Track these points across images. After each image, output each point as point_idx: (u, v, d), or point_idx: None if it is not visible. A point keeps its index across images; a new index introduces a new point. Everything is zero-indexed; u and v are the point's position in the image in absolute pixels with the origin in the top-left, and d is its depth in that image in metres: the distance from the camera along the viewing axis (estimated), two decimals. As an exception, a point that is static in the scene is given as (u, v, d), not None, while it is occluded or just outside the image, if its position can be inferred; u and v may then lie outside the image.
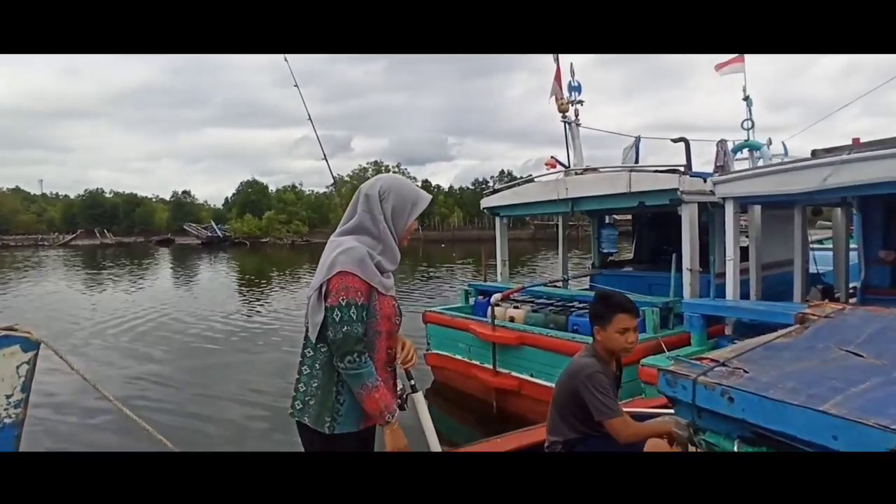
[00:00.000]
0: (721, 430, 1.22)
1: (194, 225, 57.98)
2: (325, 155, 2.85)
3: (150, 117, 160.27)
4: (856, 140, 4.78)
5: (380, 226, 1.75)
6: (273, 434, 5.14)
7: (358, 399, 1.69)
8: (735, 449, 1.16)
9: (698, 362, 1.34)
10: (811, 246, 6.19)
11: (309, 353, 1.77)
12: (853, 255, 6.23)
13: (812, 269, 6.04)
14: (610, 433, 2.05)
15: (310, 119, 2.96)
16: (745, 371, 1.25)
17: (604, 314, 2.17)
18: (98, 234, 57.54)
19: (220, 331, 10.31)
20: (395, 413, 1.76)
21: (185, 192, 75.94)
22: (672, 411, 2.69)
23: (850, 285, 6.11)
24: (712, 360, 1.35)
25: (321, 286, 1.69)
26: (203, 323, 11.10)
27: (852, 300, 5.88)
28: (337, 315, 1.63)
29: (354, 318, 1.64)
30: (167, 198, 76.96)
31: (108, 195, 75.59)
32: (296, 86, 2.98)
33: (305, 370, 1.76)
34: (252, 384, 6.80)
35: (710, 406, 1.21)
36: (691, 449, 1.28)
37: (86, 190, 75.83)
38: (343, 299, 1.64)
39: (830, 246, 7.47)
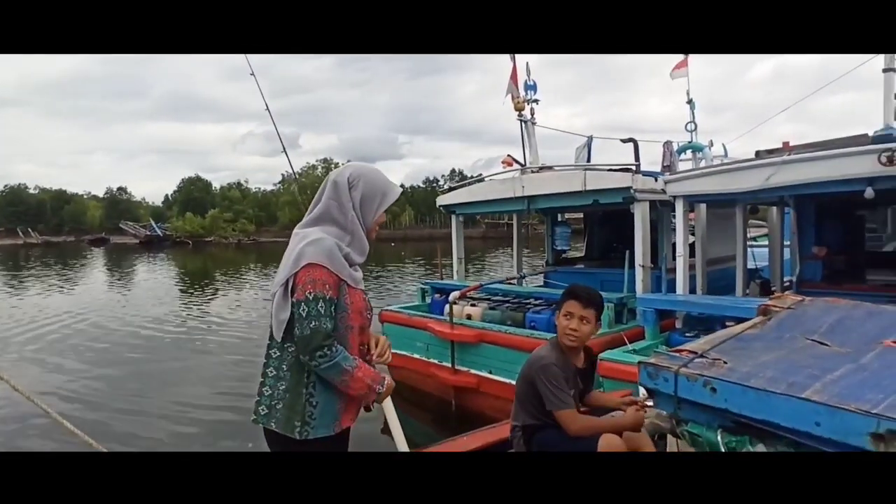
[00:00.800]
0: (703, 421, 1.23)
1: (132, 223, 54.80)
2: (284, 148, 2.72)
3: (81, 108, 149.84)
4: (786, 143, 5.07)
5: (348, 215, 1.66)
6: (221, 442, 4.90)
7: (343, 388, 1.60)
8: (718, 438, 1.17)
9: (678, 354, 1.34)
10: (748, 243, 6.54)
11: (275, 353, 1.65)
12: (786, 252, 6.64)
13: (751, 265, 6.38)
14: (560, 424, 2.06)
15: (268, 110, 2.80)
16: (725, 362, 1.26)
17: (560, 300, 2.19)
18: (21, 234, 53.37)
19: (148, 337, 9.69)
20: (383, 380, 1.70)
21: (121, 189, 71.89)
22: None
23: (785, 279, 6.50)
24: (690, 351, 1.36)
25: (287, 281, 1.59)
26: (130, 328, 10.43)
27: (786, 293, 6.24)
28: (304, 310, 1.53)
29: (322, 312, 1.54)
30: (100, 194, 72.59)
31: (32, 191, 70.43)
32: (252, 74, 2.81)
33: (271, 372, 1.64)
34: (186, 396, 6.39)
35: (692, 397, 1.22)
36: (673, 440, 1.28)
37: (6, 185, 70.29)
38: (310, 293, 1.54)
39: (765, 243, 7.94)
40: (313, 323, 1.53)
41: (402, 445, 2.02)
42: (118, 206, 66.86)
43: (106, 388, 6.67)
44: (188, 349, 8.78)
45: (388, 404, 1.95)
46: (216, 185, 62.94)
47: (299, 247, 1.60)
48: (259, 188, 62.30)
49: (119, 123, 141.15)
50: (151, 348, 8.84)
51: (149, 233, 50.28)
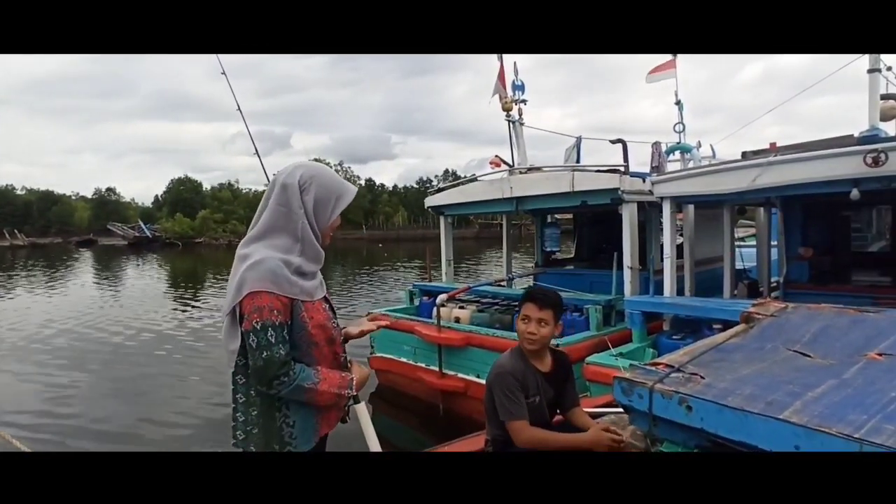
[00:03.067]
0: (679, 440, 1.17)
1: (120, 224, 54.20)
2: (256, 150, 2.63)
3: (67, 107, 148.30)
4: (772, 144, 5.06)
5: (298, 222, 1.54)
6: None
7: (310, 403, 1.53)
8: (694, 460, 1.11)
9: (653, 368, 1.28)
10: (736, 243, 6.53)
11: (241, 379, 1.57)
12: (772, 252, 6.64)
13: (738, 265, 6.36)
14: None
15: (239, 110, 2.71)
16: (702, 377, 1.20)
17: (519, 304, 2.14)
18: (7, 235, 52.61)
19: (140, 339, 9.61)
20: (351, 381, 1.62)
21: (110, 190, 71.13)
22: (614, 411, 2.70)
23: (772, 280, 6.49)
24: (667, 365, 1.30)
25: (233, 309, 1.50)
26: (115, 330, 10.29)
27: (774, 293, 6.25)
28: (253, 341, 1.44)
29: (273, 340, 1.44)
30: (88, 195, 71.80)
31: (19, 192, 69.50)
32: (223, 73, 2.72)
33: (241, 398, 1.57)
34: (179, 399, 6.35)
35: (667, 415, 1.16)
36: (649, 460, 1.22)
37: (-8, 186, 69.33)
38: (257, 322, 1.44)
39: (753, 243, 7.94)
40: (265, 353, 1.44)
41: (376, 447, 1.96)
42: (106, 206, 66.21)
43: (86, 391, 6.54)
44: (175, 352, 8.64)
45: (361, 409, 1.89)
46: (206, 185, 62.59)
47: (240, 273, 1.50)
48: (250, 189, 61.87)
49: (106, 122, 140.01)
50: (133, 352, 8.69)
51: (137, 234, 49.79)
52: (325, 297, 1.66)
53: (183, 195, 57.54)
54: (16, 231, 54.25)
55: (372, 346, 6.28)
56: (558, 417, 2.21)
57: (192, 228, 50.34)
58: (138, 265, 28.77)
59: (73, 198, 72.81)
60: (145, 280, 21.22)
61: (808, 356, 1.32)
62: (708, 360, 1.34)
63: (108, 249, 43.97)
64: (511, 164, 6.82)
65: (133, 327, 10.61)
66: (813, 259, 6.03)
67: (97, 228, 57.89)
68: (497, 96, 6.72)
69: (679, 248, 5.53)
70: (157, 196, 66.41)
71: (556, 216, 8.47)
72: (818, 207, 5.91)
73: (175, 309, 13.18)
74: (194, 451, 4.72)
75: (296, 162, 1.65)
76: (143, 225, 52.75)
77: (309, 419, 1.56)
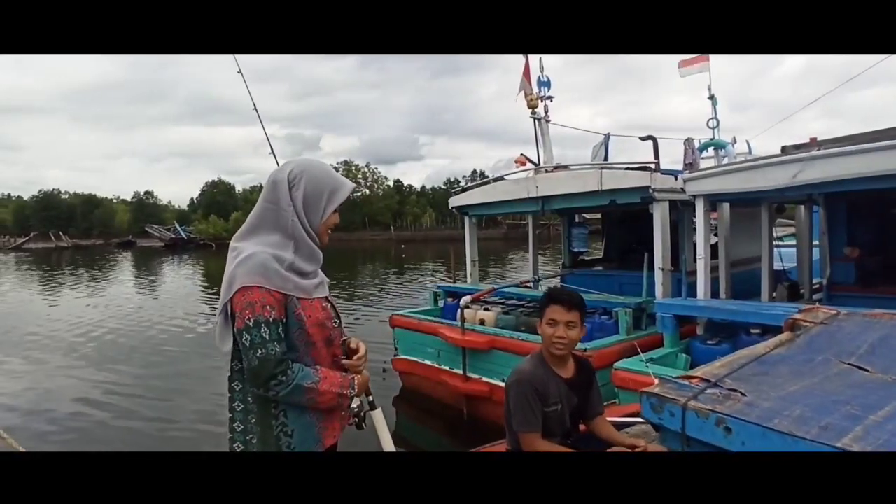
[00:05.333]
0: (716, 465, 1.03)
1: (156, 226, 55.99)
2: (272, 150, 2.59)
3: (106, 114, 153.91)
4: (813, 139, 4.78)
5: (289, 219, 1.46)
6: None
7: (311, 405, 1.45)
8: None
9: (687, 382, 1.15)
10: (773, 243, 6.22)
11: (237, 385, 1.49)
12: (814, 252, 6.30)
13: (777, 266, 6.05)
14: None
15: (255, 109, 2.68)
16: (742, 394, 1.07)
17: (540, 307, 2.01)
18: (53, 237, 54.94)
19: (179, 337, 9.82)
20: (353, 381, 1.53)
21: (148, 193, 73.44)
22: (642, 420, 2.54)
23: (814, 282, 6.16)
24: (702, 378, 1.17)
25: (225, 307, 1.43)
26: (166, 329, 10.55)
27: (816, 296, 5.92)
28: (247, 339, 1.37)
29: (268, 337, 1.37)
30: (128, 198, 74.36)
31: (64, 196, 72.47)
32: (239, 72, 2.70)
33: (238, 406, 1.49)
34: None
35: (702, 437, 1.03)
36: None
37: (40, 190, 72.54)
38: (249, 318, 1.36)
39: (791, 243, 7.56)
40: (259, 352, 1.36)
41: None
42: (145, 209, 68.34)
43: (130, 386, 6.70)
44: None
45: (377, 415, 1.80)
46: (239, 187, 64.04)
47: (231, 268, 1.44)
48: (281, 191, 62.83)
49: (143, 128, 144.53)
50: (171, 350, 8.90)
51: (174, 236, 51.31)
52: (326, 297, 1.57)
53: (216, 197, 59.06)
54: (60, 233, 56.65)
55: (396, 348, 6.23)
56: (585, 427, 2.08)
57: (225, 230, 51.50)
58: (175, 265, 29.58)
59: (114, 201, 75.51)
60: (181, 280, 21.81)
61: (866, 370, 1.17)
62: (749, 374, 1.20)
63: (146, 251, 45.46)
64: (537, 162, 6.66)
65: (171, 326, 10.88)
66: (859, 259, 5.69)
67: (136, 230, 59.85)
68: (522, 93, 6.57)
69: (713, 249, 5.29)
70: (192, 199, 68.32)
71: (584, 216, 8.26)
72: (865, 204, 5.56)
73: (213, 309, 13.47)
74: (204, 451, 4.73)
75: (292, 158, 1.59)
76: (178, 227, 54.32)
77: (309, 428, 1.48)
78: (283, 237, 1.47)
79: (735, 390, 1.08)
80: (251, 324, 1.37)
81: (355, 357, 1.62)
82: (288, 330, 1.43)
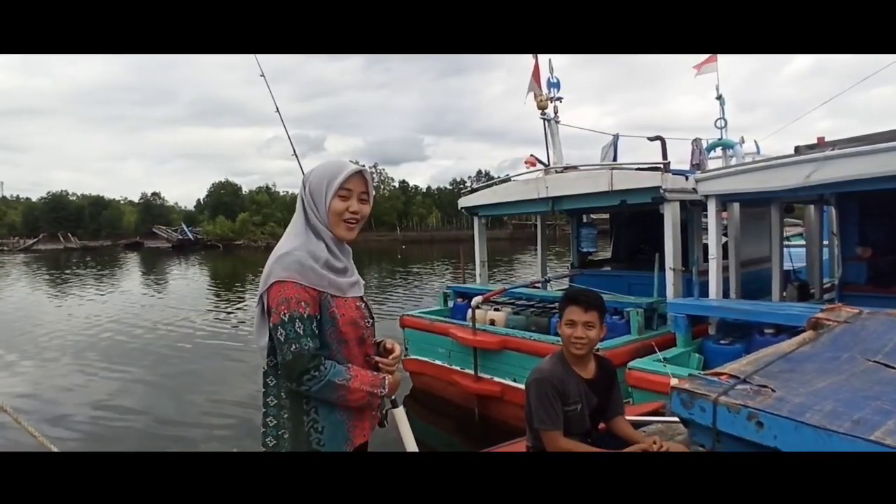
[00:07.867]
0: (747, 459, 1.05)
1: (164, 227, 56.34)
2: (294, 151, 2.62)
3: (113, 115, 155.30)
4: (820, 139, 4.77)
5: (309, 217, 1.53)
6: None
7: (342, 404, 1.48)
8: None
9: (716, 378, 1.18)
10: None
11: (271, 381, 1.53)
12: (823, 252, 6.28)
13: (787, 266, 6.05)
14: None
15: (277, 111, 2.72)
16: (772, 389, 1.09)
17: (559, 308, 2.04)
18: (62, 238, 55.41)
19: (187, 338, 9.89)
20: (384, 380, 1.55)
21: (155, 194, 73.71)
22: (659, 419, 2.55)
23: (824, 281, 6.14)
24: (731, 375, 1.19)
25: (262, 303, 1.48)
26: (166, 330, 10.62)
27: (827, 295, 5.90)
28: (281, 334, 1.41)
29: (302, 332, 1.40)
30: (135, 199, 74.77)
31: (72, 197, 72.97)
32: (262, 76, 2.74)
33: (272, 401, 1.52)
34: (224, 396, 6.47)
35: (734, 431, 1.05)
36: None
37: (49, 192, 73.05)
38: (285, 314, 1.40)
39: (800, 242, 7.53)
40: (293, 346, 1.40)
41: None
42: (152, 210, 68.65)
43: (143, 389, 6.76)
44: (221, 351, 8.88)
45: (399, 413, 1.82)
46: (245, 188, 64.29)
47: (269, 264, 1.49)
48: (287, 191, 63.21)
49: (150, 129, 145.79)
50: (184, 351, 8.97)
51: (181, 237, 51.59)
52: (360, 297, 1.60)
53: (223, 198, 59.28)
54: (69, 234, 57.08)
55: (406, 348, 6.26)
56: (604, 426, 2.10)
57: (232, 231, 51.83)
58: (182, 266, 29.74)
59: (122, 202, 75.97)
60: (189, 280, 21.93)
61: (893, 368, 1.19)
62: (776, 371, 1.22)
63: (153, 251, 45.70)
64: (546, 163, 6.68)
65: (180, 325, 10.96)
66: (872, 259, 5.67)
67: (143, 231, 60.22)
68: (532, 94, 6.59)
69: (722, 249, 5.29)
70: (199, 200, 68.63)
71: (592, 216, 8.27)
72: (877, 204, 5.54)
73: (219, 309, 13.55)
74: (227, 451, 4.79)
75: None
76: (185, 228, 54.62)
77: (340, 425, 1.51)
78: (315, 237, 1.52)
79: (765, 386, 1.11)
80: (286, 319, 1.40)
81: (391, 357, 1.65)
82: (321, 327, 1.47)
